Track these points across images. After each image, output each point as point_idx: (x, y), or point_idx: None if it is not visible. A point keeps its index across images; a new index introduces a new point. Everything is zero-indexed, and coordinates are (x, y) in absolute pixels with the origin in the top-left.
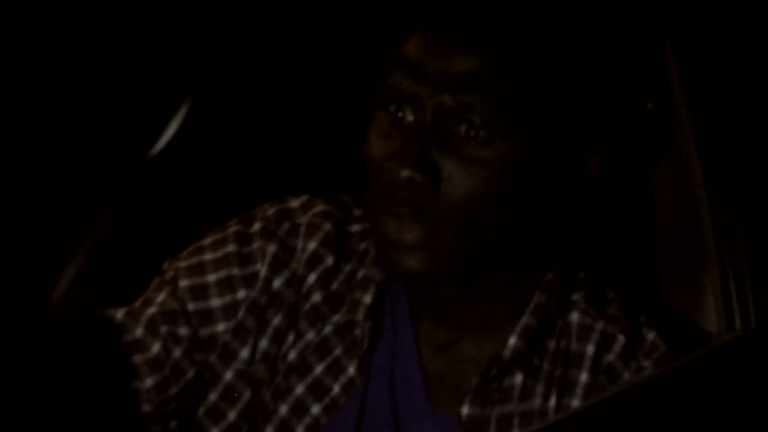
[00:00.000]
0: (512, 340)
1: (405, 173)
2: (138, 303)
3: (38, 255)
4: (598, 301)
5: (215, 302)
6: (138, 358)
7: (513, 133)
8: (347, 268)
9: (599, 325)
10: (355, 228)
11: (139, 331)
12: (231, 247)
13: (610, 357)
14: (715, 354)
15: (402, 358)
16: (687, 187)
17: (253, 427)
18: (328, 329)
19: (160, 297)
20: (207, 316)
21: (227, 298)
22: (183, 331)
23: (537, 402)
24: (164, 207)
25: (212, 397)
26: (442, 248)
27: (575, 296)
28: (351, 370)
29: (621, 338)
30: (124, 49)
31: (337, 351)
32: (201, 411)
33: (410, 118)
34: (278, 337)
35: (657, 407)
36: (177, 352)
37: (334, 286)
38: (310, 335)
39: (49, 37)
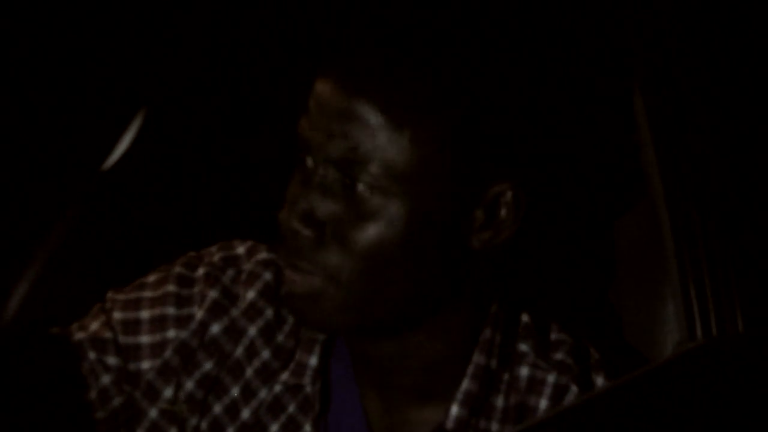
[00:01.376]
0: (454, 409)
1: (290, 224)
2: (73, 326)
3: None
4: (546, 347)
5: (144, 339)
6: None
7: (401, 190)
8: (290, 319)
9: (551, 378)
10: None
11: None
12: (171, 287)
13: None
14: (676, 362)
15: (350, 419)
16: (646, 196)
17: None
18: (278, 388)
19: (94, 325)
20: (135, 352)
21: (157, 337)
22: (112, 360)
23: None
24: (118, 221)
25: None
26: (327, 300)
27: (522, 347)
28: (307, 428)
29: (574, 388)
30: (80, 60)
31: (291, 409)
32: None
33: (310, 165)
34: (206, 382)
35: (617, 416)
36: (105, 379)
37: (280, 338)
38: (263, 393)
39: (4, 45)
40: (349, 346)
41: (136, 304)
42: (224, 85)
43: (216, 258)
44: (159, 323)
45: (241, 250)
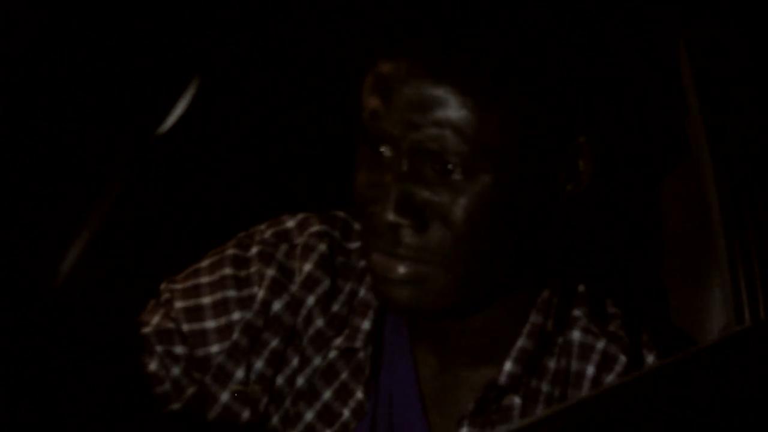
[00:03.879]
0: (508, 365)
1: (389, 218)
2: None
3: (46, 231)
4: (599, 317)
5: (210, 324)
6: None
7: (492, 164)
8: (347, 287)
9: (600, 345)
10: (354, 245)
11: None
12: (227, 270)
13: (610, 378)
14: (723, 346)
15: (401, 383)
16: (695, 179)
17: None
18: (333, 354)
19: (155, 319)
20: (202, 338)
21: (222, 320)
22: (179, 350)
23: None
24: (172, 184)
25: (210, 418)
26: (434, 284)
27: (576, 312)
28: (359, 395)
29: (622, 358)
30: (138, 26)
31: (344, 375)
32: None
33: (389, 154)
34: (275, 359)
35: (664, 398)
36: (175, 370)
37: (335, 307)
38: (317, 361)
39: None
40: (409, 320)
41: (195, 291)
42: (276, 54)
43: (267, 235)
44: (222, 306)
45: (291, 224)
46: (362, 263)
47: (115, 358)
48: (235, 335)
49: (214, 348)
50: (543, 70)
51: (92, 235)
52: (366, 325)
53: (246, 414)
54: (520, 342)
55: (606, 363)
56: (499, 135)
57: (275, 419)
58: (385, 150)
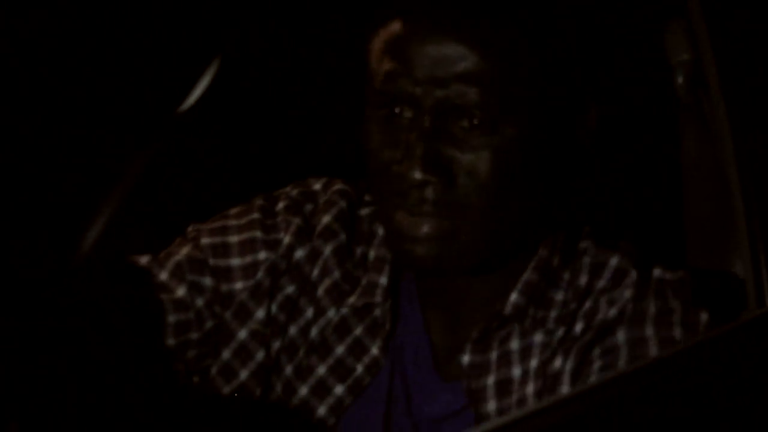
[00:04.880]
0: (513, 296)
1: (416, 176)
2: (161, 254)
3: (68, 205)
4: (606, 247)
5: (235, 261)
6: (163, 297)
7: (515, 116)
8: (359, 250)
9: (613, 261)
10: (365, 211)
11: (164, 275)
12: (256, 215)
13: (625, 292)
14: (744, 328)
15: (411, 335)
16: (717, 161)
17: (266, 388)
18: (346, 310)
19: (184, 249)
20: (227, 274)
21: (248, 258)
22: (207, 281)
23: (538, 337)
24: (192, 161)
25: (225, 354)
26: (462, 239)
27: (582, 244)
28: (375, 351)
29: (633, 273)
30: (161, 7)
31: (357, 331)
32: (214, 369)
33: (408, 115)
34: (287, 305)
35: (685, 380)
36: (200, 301)
37: (349, 265)
38: (331, 313)
39: None
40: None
41: (222, 231)
42: (299, 35)
43: (294, 193)
44: (249, 245)
45: (317, 186)
46: (371, 228)
47: (134, 336)
48: (260, 274)
49: (238, 285)
50: (562, 32)
51: (113, 213)
52: (383, 280)
53: (260, 355)
54: (526, 275)
55: (618, 277)
56: (521, 88)
57: (288, 369)
58: (403, 110)
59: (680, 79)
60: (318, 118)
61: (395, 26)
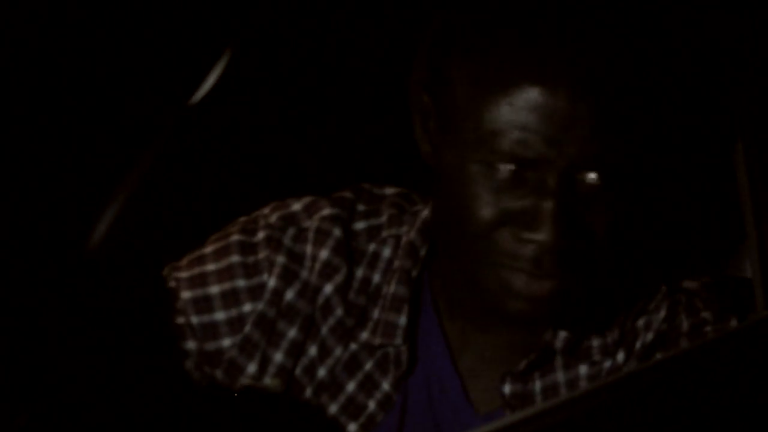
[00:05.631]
0: (562, 333)
1: (552, 239)
2: None
3: (77, 199)
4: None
5: (219, 315)
6: None
7: (630, 185)
8: (359, 274)
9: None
10: (360, 225)
11: None
12: (235, 258)
13: (684, 323)
14: (752, 330)
15: (435, 369)
16: (726, 161)
17: None
18: (355, 346)
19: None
20: (212, 330)
21: (233, 312)
22: (190, 344)
23: (584, 369)
24: (202, 154)
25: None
26: (573, 297)
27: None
28: (386, 386)
29: (663, 287)
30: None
31: (368, 366)
32: None
33: (531, 176)
34: (295, 349)
35: (692, 381)
36: (187, 364)
37: (351, 295)
38: (338, 351)
39: None
40: (443, 308)
41: (202, 280)
42: (311, 28)
43: (273, 219)
44: (232, 297)
45: (297, 206)
46: (372, 248)
47: (144, 321)
48: (247, 328)
49: (226, 341)
50: (661, 101)
51: (124, 204)
52: (402, 321)
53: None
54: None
55: (650, 295)
56: (631, 156)
57: (295, 411)
58: (523, 170)
59: None
60: (328, 112)
61: (501, 69)
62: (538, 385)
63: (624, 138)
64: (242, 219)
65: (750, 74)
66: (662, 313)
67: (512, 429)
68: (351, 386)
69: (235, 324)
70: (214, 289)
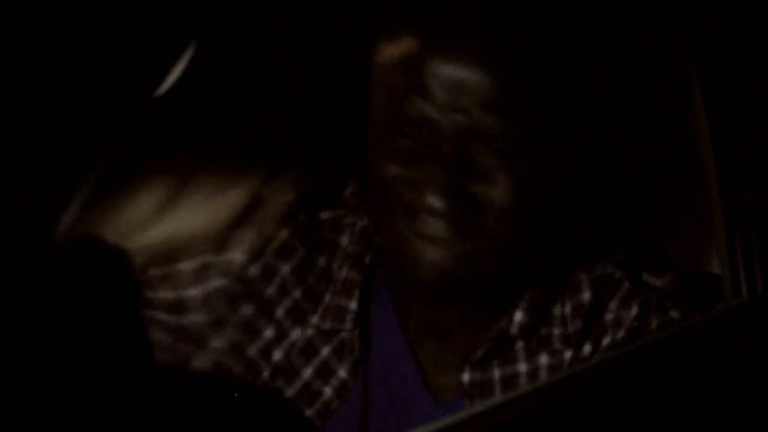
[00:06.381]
0: (518, 315)
1: (437, 204)
2: None
3: (44, 188)
4: (599, 255)
5: (192, 292)
6: None
7: (536, 146)
8: (320, 261)
9: (612, 274)
10: (325, 215)
11: None
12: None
13: (612, 303)
14: (720, 319)
15: (395, 358)
16: (694, 153)
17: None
18: (311, 331)
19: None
20: (183, 306)
21: (203, 287)
22: (165, 318)
23: (544, 359)
24: (168, 146)
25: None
26: (477, 268)
27: (578, 256)
28: (342, 373)
29: (626, 284)
30: None
31: (324, 353)
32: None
33: (423, 137)
34: (248, 328)
35: (660, 370)
36: (165, 342)
37: (310, 279)
38: (294, 335)
39: None
40: (396, 293)
41: (173, 259)
42: (277, 16)
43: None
44: (202, 273)
45: (266, 191)
46: (334, 237)
47: (112, 313)
48: (215, 303)
49: (199, 317)
50: (576, 69)
51: (90, 195)
52: (353, 305)
53: (222, 383)
54: (529, 293)
55: (620, 292)
56: (541, 117)
57: (252, 392)
58: (417, 132)
59: None
60: (297, 103)
61: (409, 42)
62: (497, 373)
63: (522, 114)
64: None
65: (717, 66)
66: (634, 311)
67: (478, 420)
68: (307, 372)
69: (205, 299)
70: (184, 266)
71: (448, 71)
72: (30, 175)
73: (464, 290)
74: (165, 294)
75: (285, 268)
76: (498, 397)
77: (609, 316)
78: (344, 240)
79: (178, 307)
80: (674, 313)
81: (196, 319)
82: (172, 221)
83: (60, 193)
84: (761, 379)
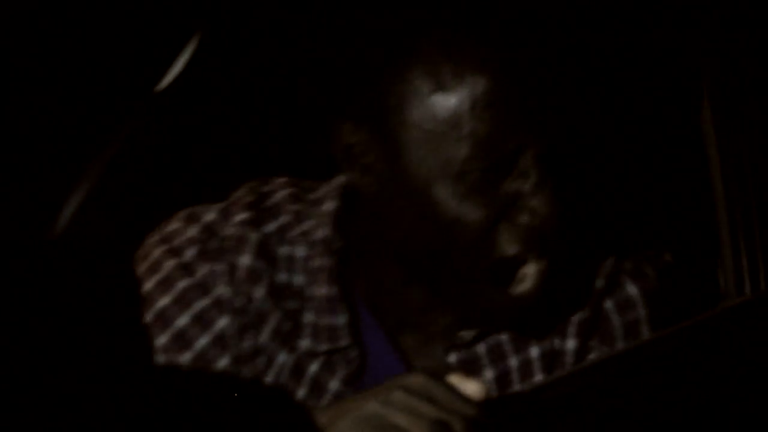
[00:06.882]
0: None
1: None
2: None
3: (45, 182)
4: None
5: (202, 342)
6: None
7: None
8: (281, 278)
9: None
10: (270, 228)
11: None
12: (183, 283)
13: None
14: (724, 316)
15: (382, 361)
16: (698, 147)
17: None
18: (297, 352)
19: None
20: (202, 357)
21: (211, 333)
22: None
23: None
24: (170, 139)
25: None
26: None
27: None
28: (335, 385)
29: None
30: None
31: (313, 370)
32: None
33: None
34: (221, 341)
35: (664, 367)
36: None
37: (281, 300)
38: (281, 358)
39: None
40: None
41: (165, 319)
42: (280, 10)
43: (193, 232)
44: (203, 320)
45: (210, 216)
46: (284, 251)
47: (109, 307)
48: (228, 340)
49: (221, 362)
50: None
51: (91, 189)
52: (341, 321)
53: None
54: None
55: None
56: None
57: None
58: (504, 176)
59: None
60: (299, 97)
61: (481, 83)
62: (482, 347)
63: (565, 118)
64: (155, 239)
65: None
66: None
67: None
68: (301, 392)
69: (218, 342)
70: (183, 321)
71: (529, 106)
72: (30, 171)
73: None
74: (182, 357)
75: (258, 293)
76: (490, 372)
77: (608, 303)
78: (301, 252)
79: (201, 359)
80: (632, 290)
81: (221, 363)
82: None
83: (60, 189)
84: (765, 376)
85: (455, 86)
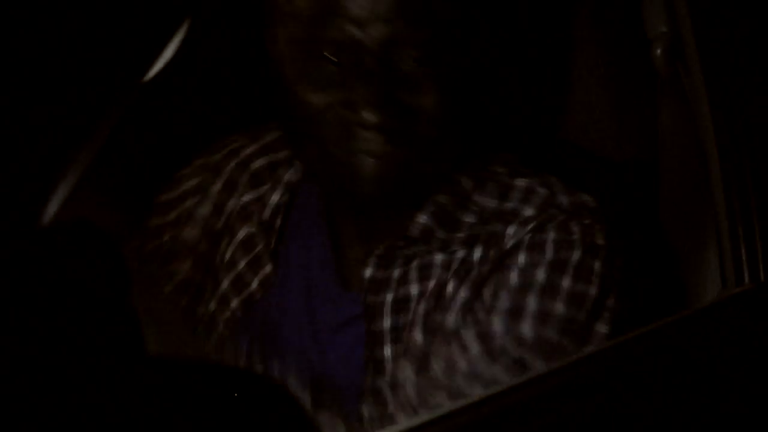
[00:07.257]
0: (421, 218)
1: (371, 119)
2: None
3: (31, 172)
4: (521, 171)
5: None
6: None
7: (457, 52)
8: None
9: (521, 182)
10: (259, 163)
11: None
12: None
13: (528, 211)
14: (723, 307)
15: (316, 250)
16: (695, 137)
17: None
18: (253, 227)
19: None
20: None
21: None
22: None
23: (438, 257)
24: (158, 129)
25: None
26: (412, 174)
27: (497, 168)
28: (268, 268)
29: (541, 191)
30: None
31: (259, 248)
32: None
33: (349, 58)
34: (212, 237)
35: (662, 357)
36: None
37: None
38: (241, 234)
39: None
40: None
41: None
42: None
43: (218, 157)
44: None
45: (217, 156)
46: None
47: (100, 297)
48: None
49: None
50: None
51: (78, 180)
52: (275, 198)
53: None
54: (437, 197)
55: (524, 200)
56: (460, 24)
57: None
58: (337, 53)
59: (658, 52)
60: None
61: None
62: (396, 272)
63: (440, 18)
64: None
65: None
66: (531, 223)
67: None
68: (242, 264)
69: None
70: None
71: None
72: (16, 160)
73: (400, 196)
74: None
75: (243, 178)
76: (391, 294)
77: (506, 223)
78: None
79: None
80: (575, 228)
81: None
82: None
83: (47, 177)
84: (764, 368)
85: None
